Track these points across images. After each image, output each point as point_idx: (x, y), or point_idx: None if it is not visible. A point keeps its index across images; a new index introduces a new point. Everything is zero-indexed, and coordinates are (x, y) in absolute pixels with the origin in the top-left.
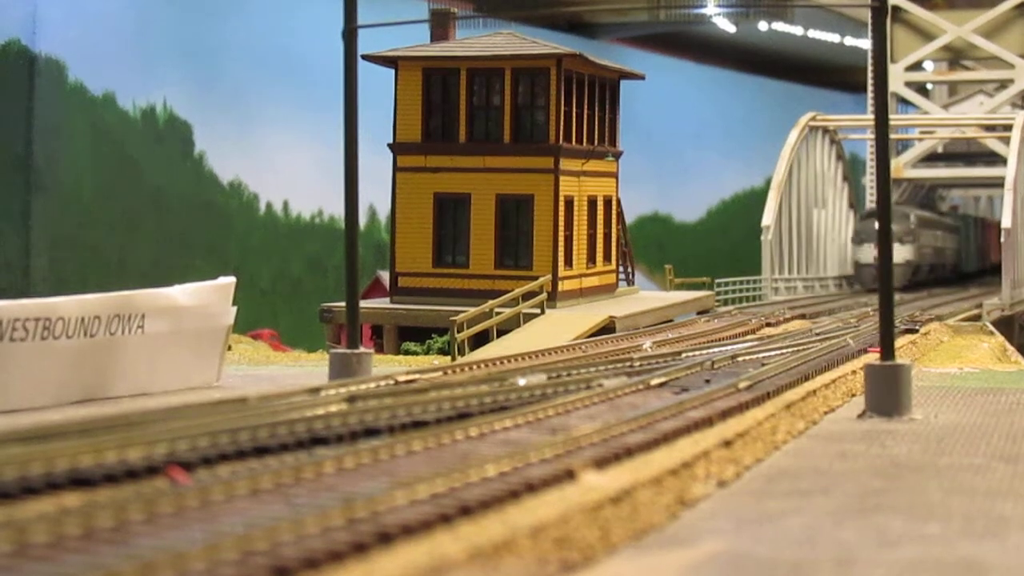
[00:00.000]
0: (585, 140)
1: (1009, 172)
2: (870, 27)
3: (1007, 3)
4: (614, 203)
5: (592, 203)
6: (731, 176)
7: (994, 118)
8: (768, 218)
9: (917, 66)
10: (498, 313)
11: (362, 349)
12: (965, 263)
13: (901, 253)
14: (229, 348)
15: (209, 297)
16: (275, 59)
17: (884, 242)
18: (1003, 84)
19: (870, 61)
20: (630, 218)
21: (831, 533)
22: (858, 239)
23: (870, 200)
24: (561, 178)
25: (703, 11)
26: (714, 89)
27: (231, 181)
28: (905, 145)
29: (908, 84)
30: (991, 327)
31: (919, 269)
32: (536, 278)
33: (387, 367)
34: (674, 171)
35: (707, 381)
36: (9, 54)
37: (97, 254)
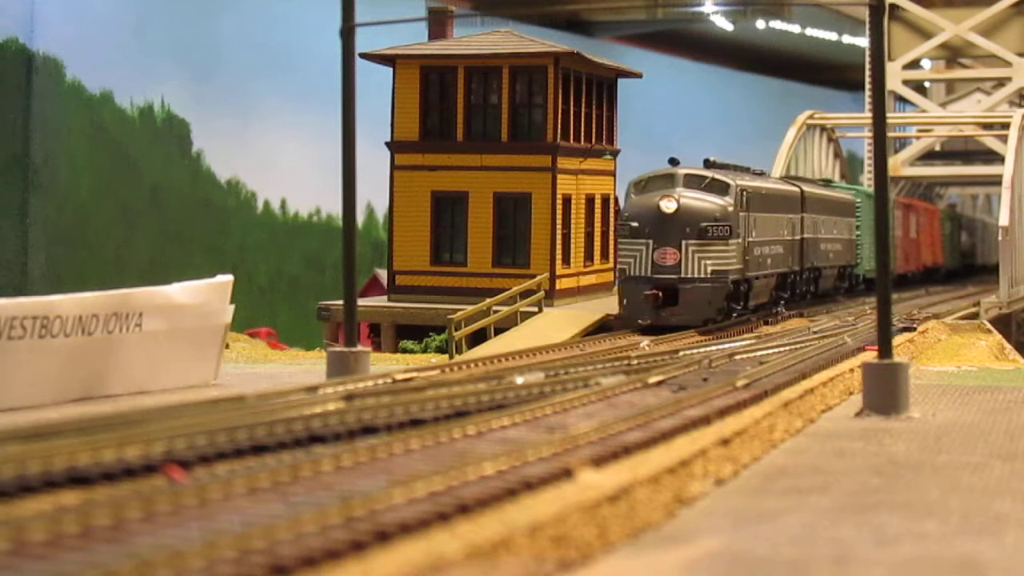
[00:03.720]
0: (583, 138)
1: (1007, 170)
2: (868, 25)
3: (1005, 1)
4: (612, 201)
5: (590, 201)
6: None
7: (992, 116)
8: None
9: (915, 64)
10: (496, 311)
11: (360, 347)
12: (862, 265)
13: (709, 258)
14: (227, 346)
15: (207, 295)
16: (273, 57)
17: (884, 241)
18: (1001, 82)
19: (868, 59)
20: None
21: (829, 531)
22: (628, 231)
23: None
24: (559, 176)
25: (701, 9)
26: (712, 87)
27: (229, 179)
28: (903, 143)
29: (906, 82)
30: (989, 325)
31: (746, 288)
32: (534, 276)
33: (385, 365)
34: None
35: (705, 379)
36: (7, 53)
37: (95, 252)
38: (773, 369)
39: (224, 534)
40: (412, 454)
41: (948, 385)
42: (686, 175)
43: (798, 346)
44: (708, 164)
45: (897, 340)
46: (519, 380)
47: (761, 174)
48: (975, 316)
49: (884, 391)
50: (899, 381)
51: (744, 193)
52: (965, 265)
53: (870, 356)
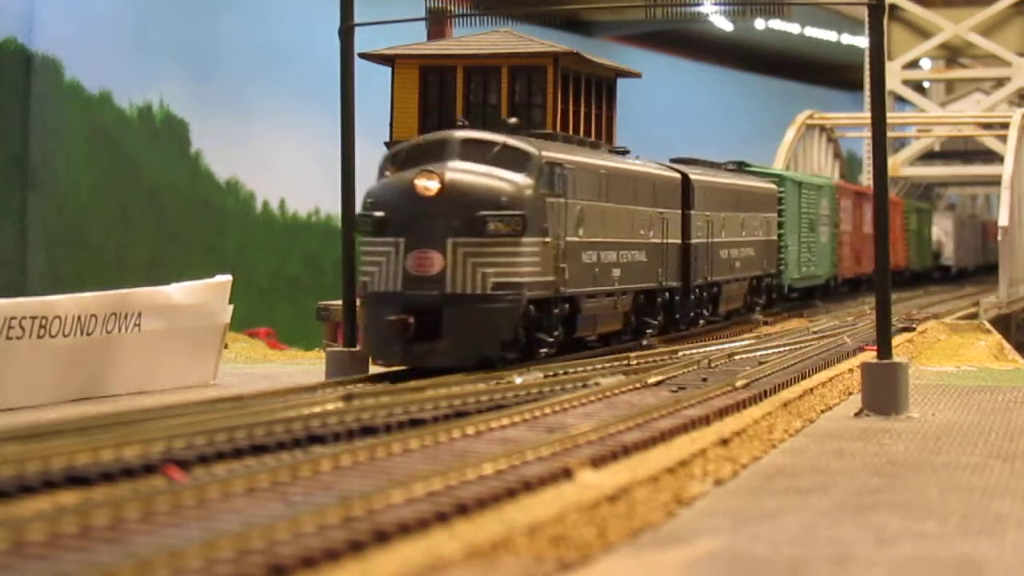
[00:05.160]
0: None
1: (1006, 170)
2: (867, 25)
3: (1004, 1)
4: None
5: None
6: None
7: (991, 116)
8: None
9: (914, 64)
10: None
11: (359, 347)
12: (788, 272)
13: (490, 264)
14: (226, 346)
15: (206, 295)
16: (272, 57)
17: (883, 240)
18: (1000, 82)
19: (867, 59)
20: None
21: (828, 531)
22: (371, 226)
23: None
24: None
25: (700, 9)
26: (711, 87)
27: (228, 179)
28: (902, 143)
29: (905, 82)
30: (988, 325)
31: (563, 311)
32: None
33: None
34: None
35: (704, 379)
36: (5, 52)
37: (94, 252)
38: (772, 369)
39: (223, 534)
40: (411, 454)
41: (947, 385)
42: (465, 140)
43: (797, 346)
44: (506, 125)
45: (896, 340)
46: (518, 380)
47: (624, 153)
48: (974, 316)
49: (883, 391)
50: (898, 381)
51: (557, 170)
52: (939, 268)
53: (869, 356)
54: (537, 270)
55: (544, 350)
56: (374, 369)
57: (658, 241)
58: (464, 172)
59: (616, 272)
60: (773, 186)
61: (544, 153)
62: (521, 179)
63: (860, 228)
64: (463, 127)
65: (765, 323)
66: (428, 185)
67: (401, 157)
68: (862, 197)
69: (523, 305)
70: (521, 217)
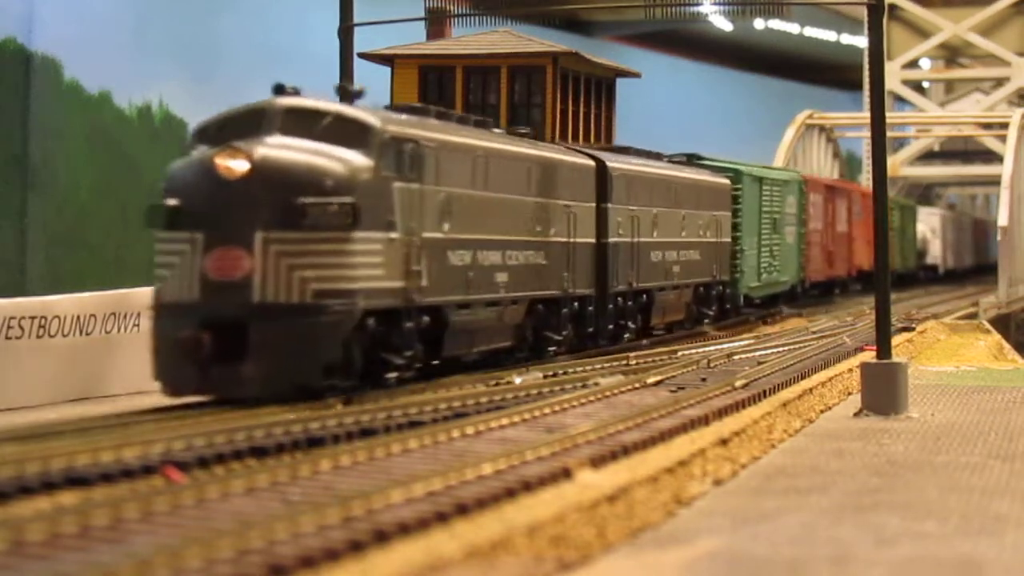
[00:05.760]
0: (581, 138)
1: (1006, 170)
2: (867, 25)
3: (1004, 1)
4: None
5: None
6: None
7: (991, 116)
8: None
9: (914, 64)
10: None
11: None
12: (744, 280)
13: (310, 266)
14: None
15: None
16: (272, 57)
17: (882, 240)
18: (1000, 82)
19: (866, 59)
20: None
21: (828, 531)
22: (163, 218)
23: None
24: None
25: (700, 9)
26: (711, 87)
27: None
28: (901, 143)
29: (905, 82)
30: (988, 325)
31: (417, 326)
32: None
33: None
34: None
35: (703, 379)
36: (5, 52)
37: (93, 252)
38: (772, 369)
39: (222, 533)
40: (411, 454)
41: (947, 385)
42: (288, 110)
43: (797, 346)
44: (349, 93)
45: (896, 340)
46: (518, 380)
47: (531, 136)
48: (974, 316)
49: (883, 391)
50: (898, 381)
51: (409, 149)
52: (924, 268)
53: (869, 356)
54: (378, 273)
55: (393, 375)
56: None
57: (562, 240)
58: (281, 148)
59: (501, 277)
60: (726, 181)
61: (390, 127)
62: (356, 158)
63: (832, 226)
64: (291, 95)
65: (765, 323)
66: (232, 165)
67: (211, 132)
68: (835, 192)
69: (356, 318)
70: (352, 206)
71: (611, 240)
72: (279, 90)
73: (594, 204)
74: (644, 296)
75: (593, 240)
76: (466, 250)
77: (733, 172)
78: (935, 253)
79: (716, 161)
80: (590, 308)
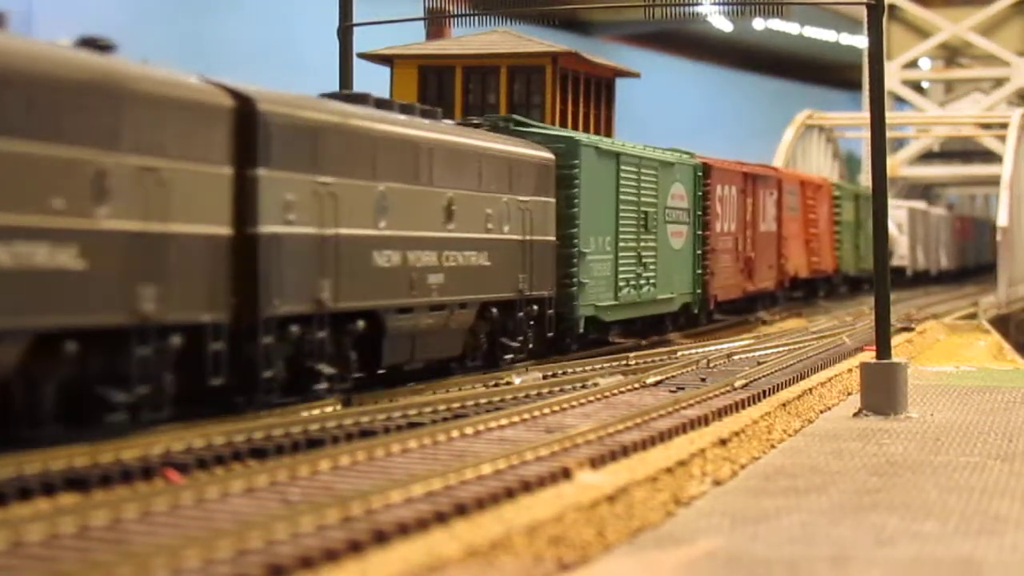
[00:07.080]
0: None
1: (1005, 170)
2: (866, 25)
3: (1003, 1)
4: None
5: None
6: None
7: (990, 116)
8: None
9: (913, 64)
10: None
11: None
12: (588, 293)
13: None
14: None
15: None
16: (271, 57)
17: (881, 239)
18: (999, 82)
19: (866, 59)
20: None
21: (827, 531)
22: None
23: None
24: None
25: (699, 9)
26: (710, 87)
27: None
28: (901, 143)
29: (904, 82)
30: (987, 325)
31: None
32: None
33: None
34: None
35: (703, 380)
36: None
37: None
38: (771, 369)
39: (221, 534)
40: (410, 454)
41: (946, 385)
42: None
43: (796, 346)
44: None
45: (895, 340)
46: (517, 380)
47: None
48: (973, 316)
49: (882, 391)
50: (897, 381)
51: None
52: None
53: (868, 356)
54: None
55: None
56: None
57: (122, 228)
58: None
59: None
60: (548, 154)
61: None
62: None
63: (754, 226)
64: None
65: (764, 321)
66: None
67: None
68: (756, 181)
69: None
70: None
71: (263, 230)
72: None
73: (228, 169)
74: (360, 322)
75: (229, 230)
76: None
77: (564, 143)
78: (901, 253)
79: (540, 127)
80: (223, 345)
